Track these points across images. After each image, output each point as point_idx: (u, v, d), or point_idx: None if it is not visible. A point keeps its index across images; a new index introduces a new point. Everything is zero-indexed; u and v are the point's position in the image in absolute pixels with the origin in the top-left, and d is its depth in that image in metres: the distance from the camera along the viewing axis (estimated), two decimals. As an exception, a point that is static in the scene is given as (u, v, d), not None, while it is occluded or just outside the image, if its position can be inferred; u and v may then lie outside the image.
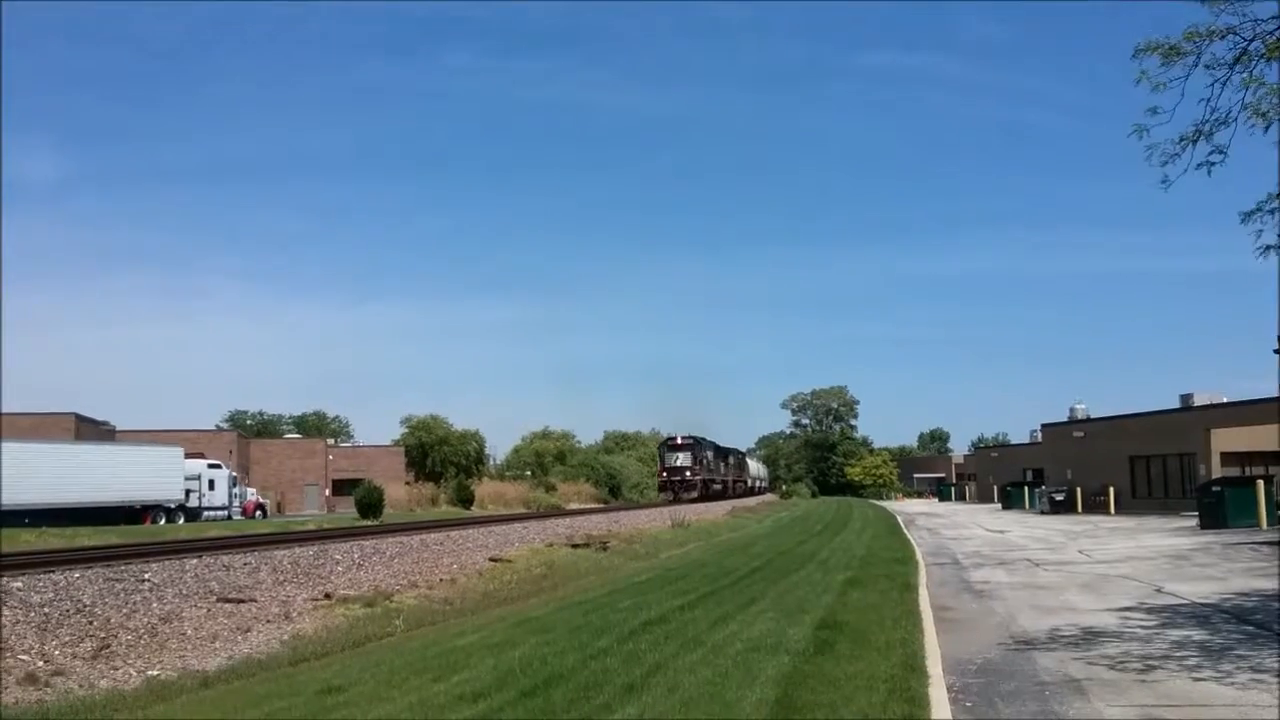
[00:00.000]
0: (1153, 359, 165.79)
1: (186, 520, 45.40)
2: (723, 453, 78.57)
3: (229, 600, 13.55)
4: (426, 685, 8.55)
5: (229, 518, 49.33)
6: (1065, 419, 55.39)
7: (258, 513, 53.63)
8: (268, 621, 12.87)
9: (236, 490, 52.61)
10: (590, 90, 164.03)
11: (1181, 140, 9.33)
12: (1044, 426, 58.26)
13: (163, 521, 44.25)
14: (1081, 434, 50.62)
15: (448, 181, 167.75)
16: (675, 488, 63.95)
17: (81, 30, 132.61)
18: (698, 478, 65.37)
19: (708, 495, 66.02)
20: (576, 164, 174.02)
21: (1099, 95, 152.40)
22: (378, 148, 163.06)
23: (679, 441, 67.15)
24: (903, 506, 69.32)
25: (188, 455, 48.68)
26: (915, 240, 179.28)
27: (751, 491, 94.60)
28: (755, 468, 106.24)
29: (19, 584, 12.91)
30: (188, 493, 47.56)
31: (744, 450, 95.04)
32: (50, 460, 42.13)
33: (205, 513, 48.45)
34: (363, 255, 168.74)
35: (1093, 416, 53.18)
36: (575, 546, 24.33)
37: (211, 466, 51.69)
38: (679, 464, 65.39)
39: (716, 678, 8.41)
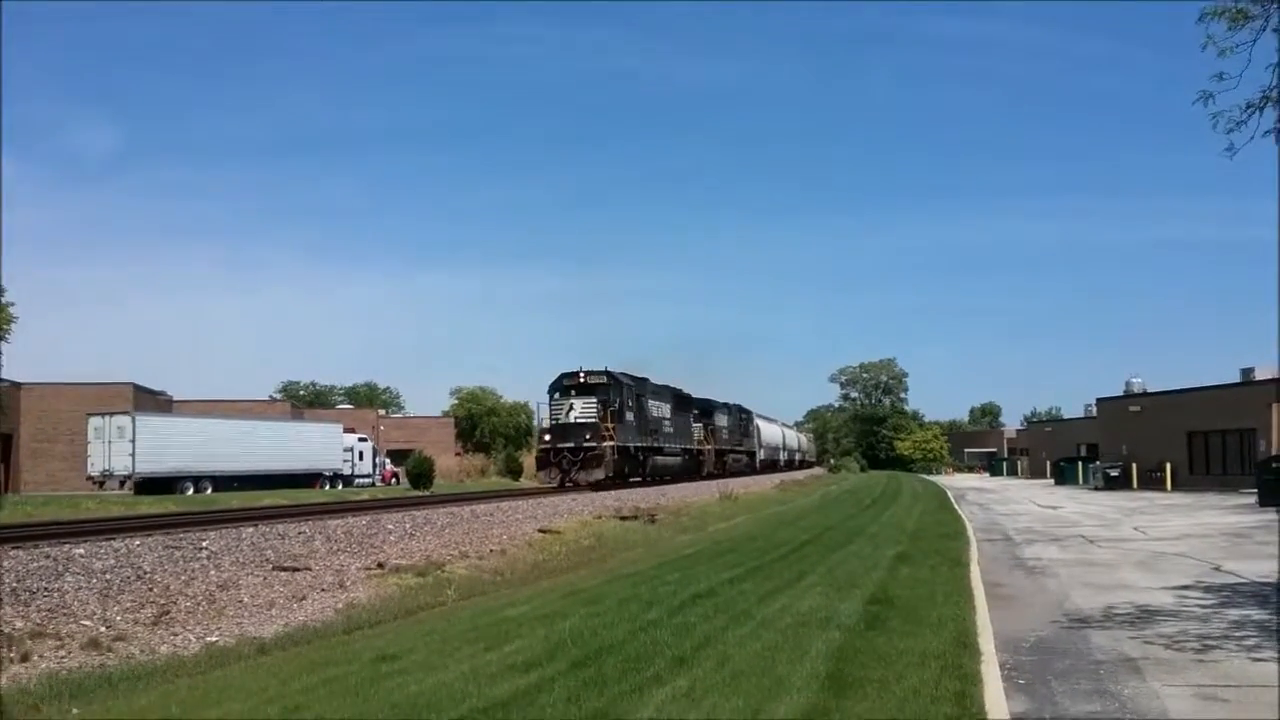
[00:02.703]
0: (1212, 332, 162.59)
1: (343, 486, 52.07)
2: (693, 407, 52.34)
3: (284, 569, 13.76)
4: (479, 654, 8.65)
5: (373, 484, 55.75)
6: (1121, 393, 54.51)
7: (393, 479, 59.26)
8: (322, 590, 13.06)
9: (378, 460, 59.23)
10: (642, 60, 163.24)
11: (1248, 107, 9.09)
12: (1099, 401, 57.32)
13: (326, 487, 50.35)
14: (1138, 408, 49.77)
15: (498, 153, 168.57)
16: (563, 461, 37.00)
17: (136, 5, 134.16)
18: (608, 444, 36.81)
19: (643, 475, 41.96)
20: (625, 135, 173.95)
21: (1156, 61, 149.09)
22: (431, 120, 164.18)
23: (581, 379, 38.32)
24: (953, 481, 68.75)
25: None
26: (966, 209, 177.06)
27: (774, 466, 75.09)
28: (778, 435, 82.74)
29: (81, 550, 13.22)
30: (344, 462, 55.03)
31: (752, 410, 70.05)
32: (258, 435, 49.98)
33: (356, 479, 55.10)
34: (414, 228, 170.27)
35: (1150, 391, 52.28)
36: (623, 518, 24.40)
37: (360, 440, 58.31)
38: (574, 419, 37.24)
39: (766, 651, 8.42)
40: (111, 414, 44.65)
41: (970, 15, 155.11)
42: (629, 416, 39.79)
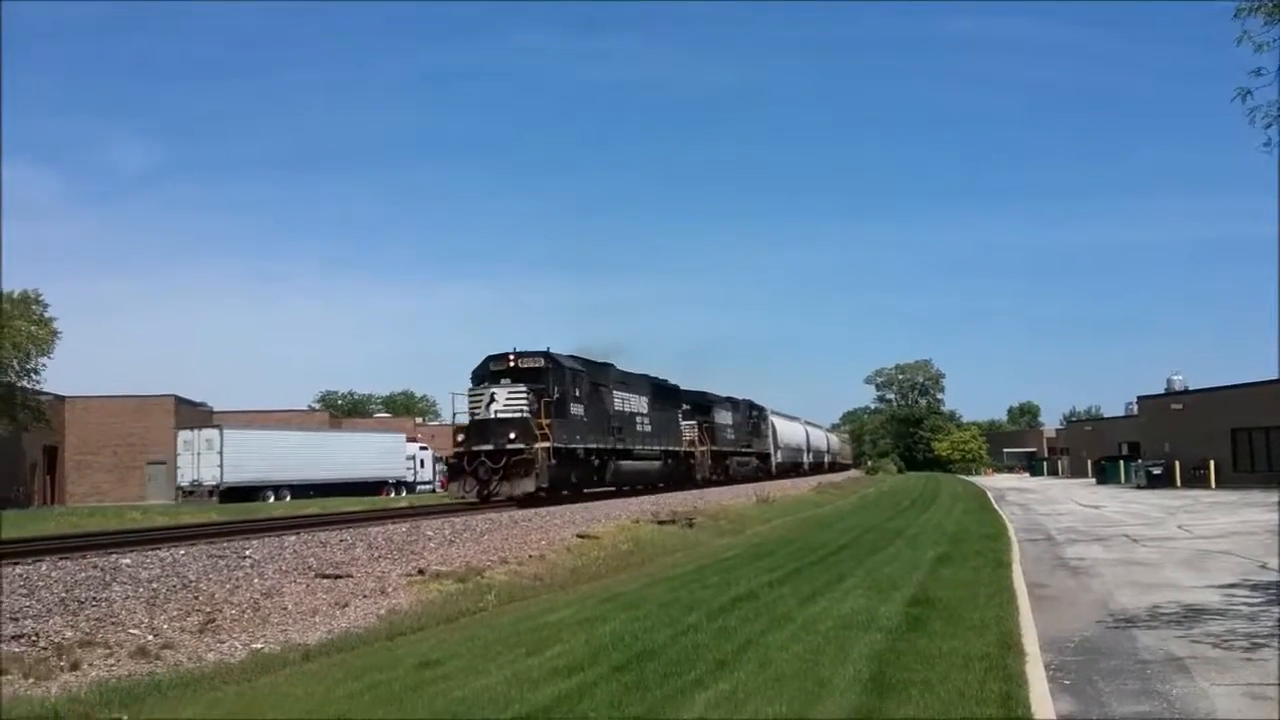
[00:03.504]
0: (1254, 328, 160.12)
1: (407, 492, 54.40)
2: (682, 401, 43.93)
3: (327, 576, 13.88)
4: (521, 659, 8.69)
5: (433, 490, 57.47)
6: (1162, 391, 53.87)
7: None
8: (364, 596, 13.16)
9: (438, 467, 60.29)
10: (660, 67, 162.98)
11: (1286, 102, 9.02)
12: (1140, 399, 56.67)
13: (393, 494, 52.78)
14: (1180, 406, 49.12)
15: (515, 163, 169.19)
16: (480, 469, 28.58)
17: (162, 21, 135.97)
18: (541, 445, 28.45)
19: (605, 483, 34.05)
20: (647, 141, 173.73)
21: (1189, 57, 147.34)
22: (453, 131, 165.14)
23: (511, 363, 30.20)
24: (992, 482, 68.18)
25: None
26: (1001, 209, 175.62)
27: (797, 470, 68.34)
28: (799, 434, 73.94)
29: (128, 560, 13.41)
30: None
31: (766, 406, 62.22)
32: (331, 445, 53.29)
33: (418, 486, 57.73)
34: (441, 237, 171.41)
35: (1191, 388, 51.61)
36: (661, 523, 24.38)
37: (421, 449, 61.26)
38: (495, 414, 28.89)
39: (808, 654, 8.41)
40: (200, 428, 48.57)
41: (1014, 15, 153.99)
42: (576, 410, 31.16)
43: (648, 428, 38.00)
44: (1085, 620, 10.46)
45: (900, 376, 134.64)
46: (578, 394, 31.54)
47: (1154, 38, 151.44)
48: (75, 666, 9.01)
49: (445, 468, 31.66)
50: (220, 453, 46.28)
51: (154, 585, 12.08)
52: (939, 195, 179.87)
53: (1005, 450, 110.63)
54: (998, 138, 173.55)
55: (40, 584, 11.45)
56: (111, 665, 9.24)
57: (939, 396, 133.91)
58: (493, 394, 29.04)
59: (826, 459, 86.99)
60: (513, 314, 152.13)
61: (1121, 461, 53.28)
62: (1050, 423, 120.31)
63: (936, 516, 27.83)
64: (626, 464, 35.55)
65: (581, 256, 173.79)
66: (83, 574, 12.25)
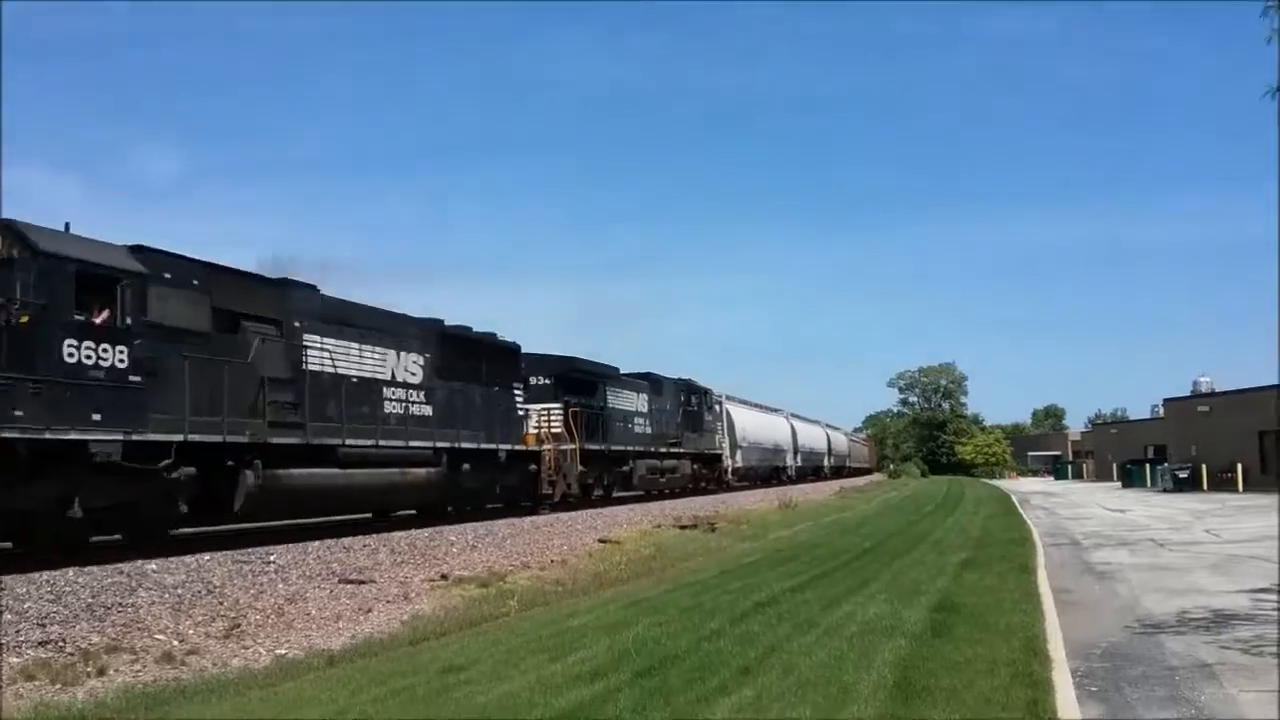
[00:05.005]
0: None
1: None
2: (519, 371, 26.03)
3: (350, 581, 13.93)
4: (544, 664, 8.69)
5: None
6: (1189, 393, 53.45)
7: None
8: (388, 602, 13.21)
9: None
10: (681, 70, 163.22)
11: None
12: (1166, 401, 56.28)
13: None
14: (1207, 408, 48.72)
15: (560, 166, 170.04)
16: None
17: (204, 24, 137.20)
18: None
19: (210, 512, 15.65)
20: (673, 143, 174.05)
21: (1213, 58, 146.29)
22: (499, 134, 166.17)
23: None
24: (1017, 485, 67.78)
25: None
26: (1025, 209, 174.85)
27: (778, 477, 54.61)
28: (780, 432, 58.46)
29: (153, 566, 13.48)
30: None
31: (714, 389, 44.81)
32: None
33: None
34: (474, 242, 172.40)
35: (1219, 390, 51.16)
36: (683, 528, 24.35)
37: None
38: None
39: (832, 660, 8.37)
40: None
41: (1018, 15, 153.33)
42: (76, 352, 12.99)
43: (419, 407, 21.15)
44: (1112, 626, 10.38)
45: (923, 380, 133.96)
46: (93, 320, 13.51)
47: (1188, 37, 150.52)
48: (102, 672, 9.06)
49: None
50: None
51: (179, 591, 12.13)
52: (960, 196, 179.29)
53: (1029, 454, 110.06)
54: (1020, 137, 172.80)
55: (67, 590, 11.52)
56: (138, 671, 9.30)
57: (962, 400, 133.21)
58: None
59: (828, 463, 73.98)
60: (548, 313, 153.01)
61: (1147, 465, 52.86)
62: (1075, 426, 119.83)
63: (960, 521, 27.68)
64: (308, 475, 17.60)
65: (615, 257, 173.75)
66: (109, 580, 12.31)
